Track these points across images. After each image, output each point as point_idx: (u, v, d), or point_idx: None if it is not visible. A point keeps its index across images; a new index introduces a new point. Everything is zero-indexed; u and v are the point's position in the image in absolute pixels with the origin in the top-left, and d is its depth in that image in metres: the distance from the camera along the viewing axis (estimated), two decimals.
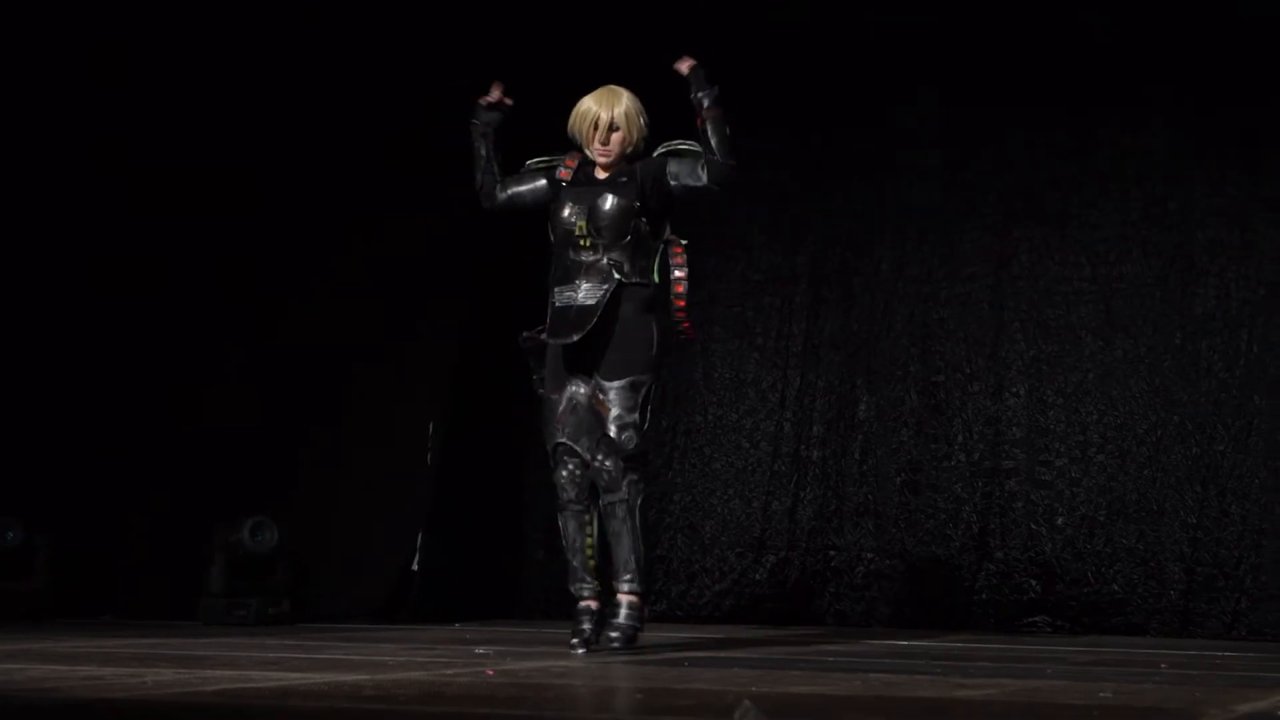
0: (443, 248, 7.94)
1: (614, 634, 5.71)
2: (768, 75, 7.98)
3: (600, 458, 5.71)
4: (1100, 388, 7.58)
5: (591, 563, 5.80)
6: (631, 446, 5.71)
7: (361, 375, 7.99)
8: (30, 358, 8.10)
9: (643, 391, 5.73)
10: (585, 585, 5.80)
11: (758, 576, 7.87)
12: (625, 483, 5.70)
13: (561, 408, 5.78)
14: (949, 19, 7.86)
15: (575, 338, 5.70)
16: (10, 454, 7.90)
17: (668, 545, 8.03)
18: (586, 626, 5.74)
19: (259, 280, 8.26)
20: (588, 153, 5.90)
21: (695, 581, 7.97)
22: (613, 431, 5.69)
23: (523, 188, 5.98)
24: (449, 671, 4.89)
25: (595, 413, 5.72)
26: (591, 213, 5.78)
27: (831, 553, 7.82)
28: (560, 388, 5.80)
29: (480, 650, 5.68)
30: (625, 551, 5.74)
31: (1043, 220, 7.75)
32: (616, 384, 5.70)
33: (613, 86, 5.89)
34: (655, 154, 5.88)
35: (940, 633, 7.18)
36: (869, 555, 7.76)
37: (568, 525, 5.83)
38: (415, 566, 7.83)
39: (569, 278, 5.81)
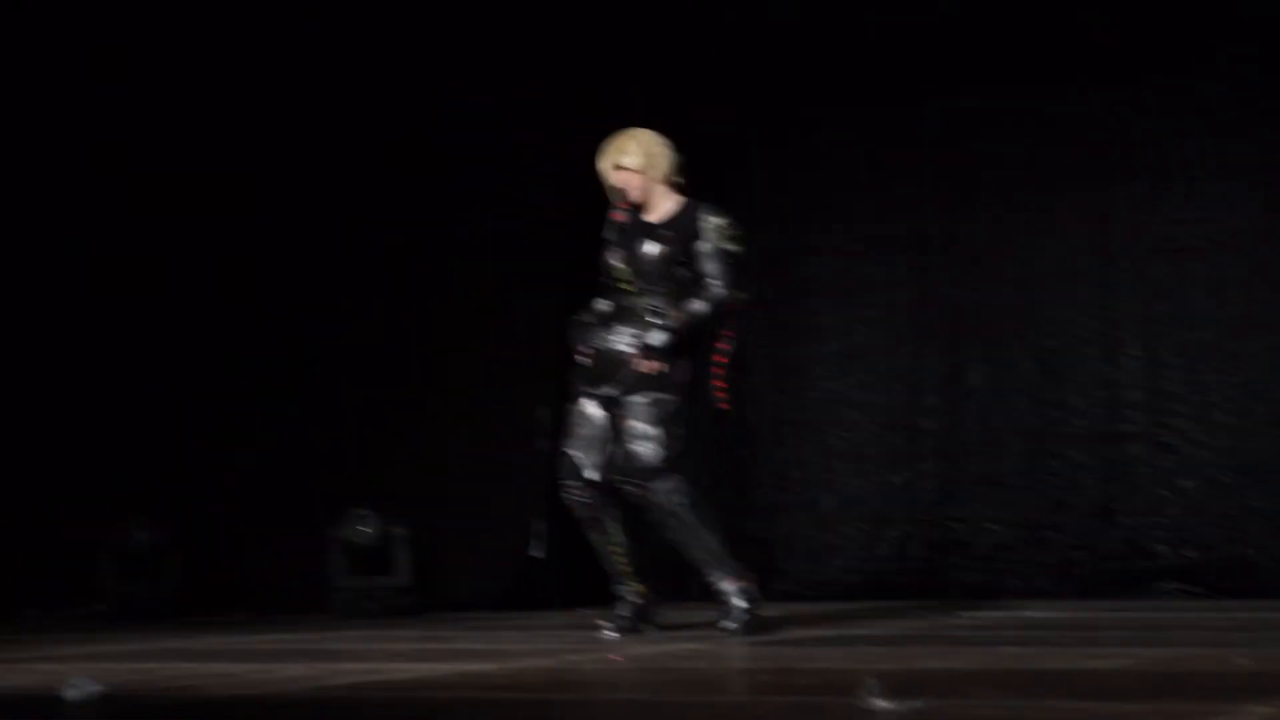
0: (540, 229, 7.95)
1: (728, 623, 5.68)
2: (862, 44, 7.92)
3: (620, 478, 5.72)
4: (1216, 346, 7.46)
5: (626, 568, 5.86)
6: (645, 460, 5.67)
7: (469, 364, 8.02)
8: (144, 360, 8.20)
9: (667, 409, 5.69)
10: (625, 588, 5.89)
11: (880, 551, 7.83)
12: (658, 495, 5.67)
13: (578, 418, 5.83)
14: None
15: (606, 391, 5.74)
16: (136, 455, 8.01)
17: (787, 523, 8.00)
18: (624, 613, 5.82)
19: (360, 269, 8.27)
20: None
21: (817, 559, 7.93)
22: (627, 445, 5.69)
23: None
24: (576, 657, 4.91)
25: (615, 427, 5.74)
26: (632, 258, 5.82)
27: (953, 524, 7.76)
28: (578, 399, 5.86)
29: (607, 633, 5.71)
30: (695, 553, 5.75)
31: (1145, 176, 7.63)
32: (637, 399, 5.70)
33: (628, 129, 5.90)
34: (706, 218, 5.79)
35: (1069, 601, 7.11)
36: (992, 526, 7.69)
37: (589, 537, 5.88)
38: (535, 553, 7.86)
39: (612, 319, 5.85)
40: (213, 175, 8.28)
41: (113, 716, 3.81)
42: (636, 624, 5.81)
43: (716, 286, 5.73)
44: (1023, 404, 7.74)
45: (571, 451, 5.81)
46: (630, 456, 5.68)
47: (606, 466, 5.74)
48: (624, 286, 5.82)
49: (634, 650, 5.11)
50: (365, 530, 7.54)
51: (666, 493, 5.68)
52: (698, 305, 5.71)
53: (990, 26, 7.80)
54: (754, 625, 5.67)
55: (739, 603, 5.69)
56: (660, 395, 5.69)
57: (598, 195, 5.97)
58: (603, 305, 5.89)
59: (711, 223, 5.79)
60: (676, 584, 8.02)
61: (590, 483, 5.76)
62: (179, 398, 8.23)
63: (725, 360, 5.83)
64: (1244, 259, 7.45)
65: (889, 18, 7.94)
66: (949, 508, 7.77)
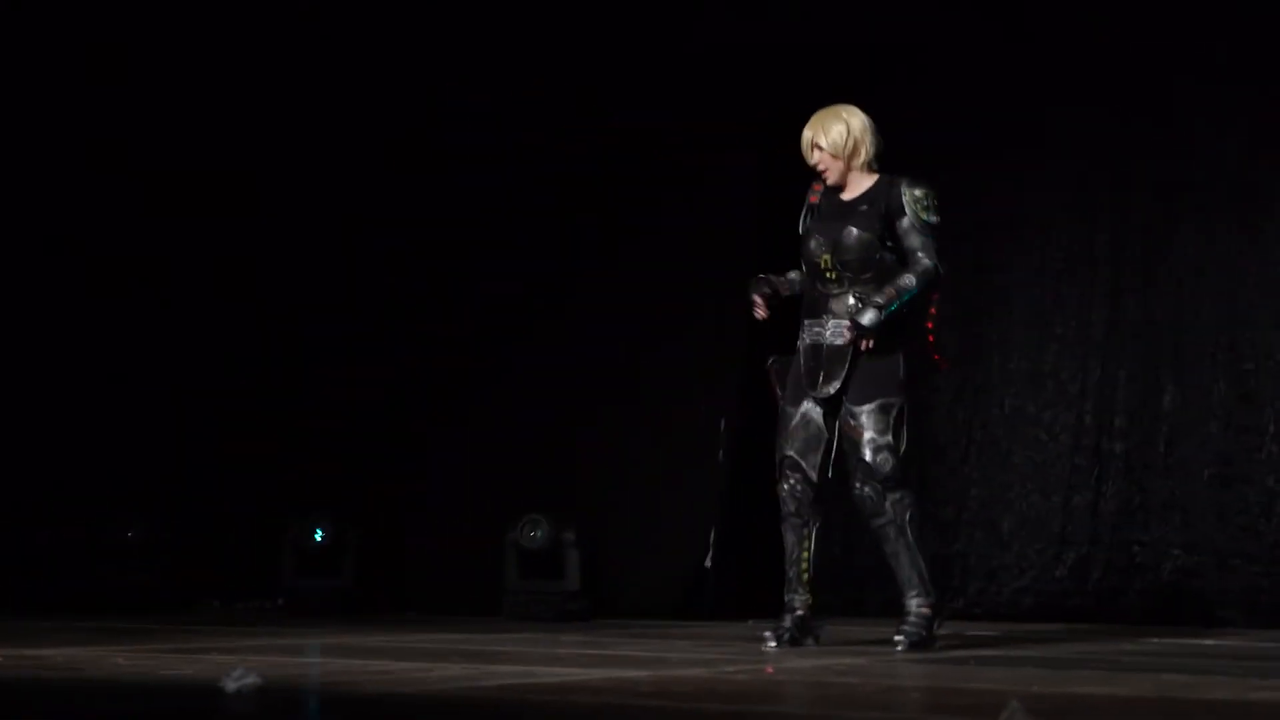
0: (729, 239, 7.91)
1: (899, 638, 5.69)
2: (1061, 56, 7.77)
3: (859, 484, 5.72)
4: None
5: (806, 575, 5.83)
6: (888, 469, 5.69)
7: (649, 371, 8.02)
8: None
9: (894, 413, 5.71)
10: (797, 596, 5.84)
11: (1059, 573, 7.66)
12: (889, 504, 5.70)
13: (795, 421, 5.81)
14: None
15: (831, 390, 5.72)
16: (319, 450, 8.14)
17: (965, 541, 7.87)
18: (788, 625, 5.78)
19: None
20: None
21: (994, 578, 7.79)
22: (868, 455, 5.68)
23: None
24: (730, 668, 4.89)
25: (848, 438, 5.72)
26: (836, 246, 5.76)
27: (1136, 548, 7.57)
28: (797, 401, 5.82)
29: (770, 645, 5.67)
30: (905, 569, 5.75)
31: None
32: (866, 407, 5.69)
33: (834, 106, 5.85)
34: (905, 190, 5.78)
35: (1252, 632, 6.89)
36: (1176, 551, 7.48)
37: (787, 537, 5.85)
38: (709, 564, 7.84)
39: (817, 311, 5.80)
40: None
41: (267, 708, 3.89)
42: (800, 636, 5.78)
43: (924, 260, 5.70)
44: (1215, 428, 7.52)
45: (790, 452, 5.80)
46: (869, 467, 5.68)
47: (826, 468, 5.76)
48: (828, 275, 5.76)
49: (791, 663, 5.08)
50: (536, 534, 7.59)
51: (897, 503, 5.71)
52: (907, 280, 5.68)
53: (1193, 38, 7.60)
54: (927, 643, 5.66)
55: (919, 625, 5.69)
56: (887, 400, 5.69)
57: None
58: (793, 276, 5.86)
59: (912, 194, 5.74)
60: (854, 599, 8.00)
61: (810, 482, 5.76)
62: (357, 398, 8.34)
63: (934, 325, 5.82)
64: None
65: (1091, 29, 7.78)
66: (1132, 531, 7.58)
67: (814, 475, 5.76)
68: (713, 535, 7.87)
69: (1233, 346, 7.56)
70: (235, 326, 8.47)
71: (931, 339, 5.83)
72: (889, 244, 5.75)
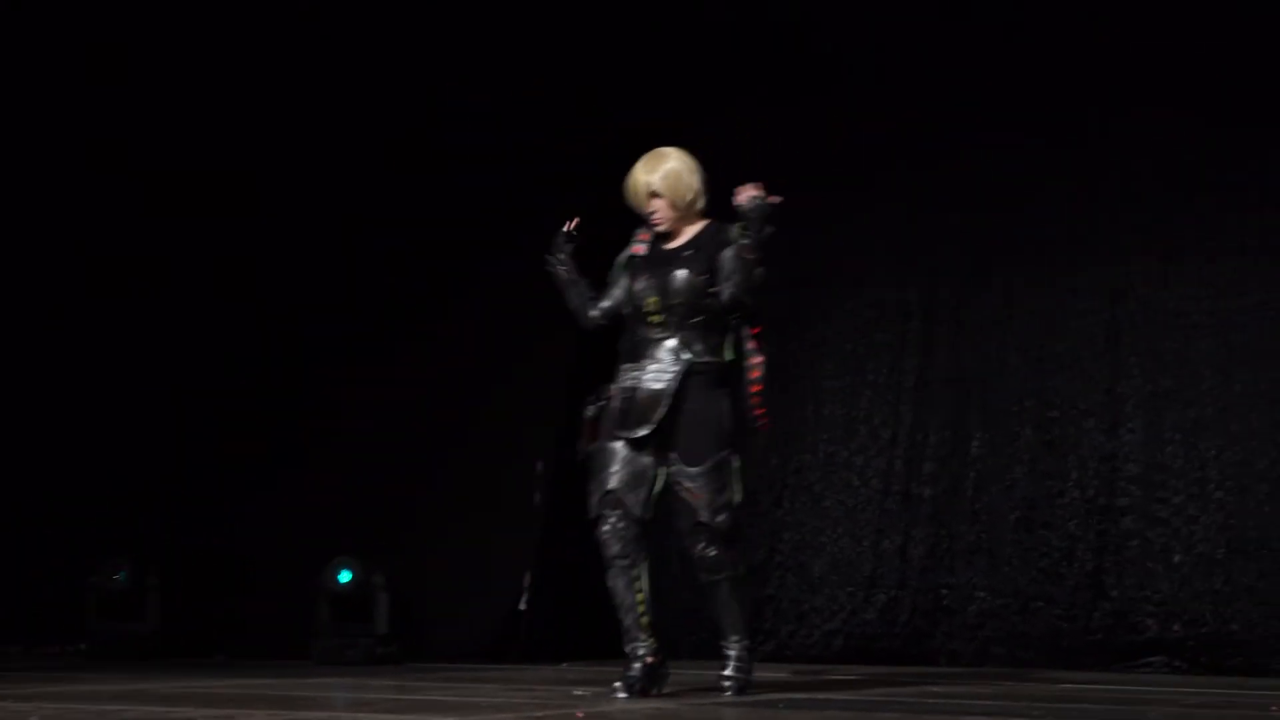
0: (547, 290, 7.93)
1: (728, 682, 5.62)
2: (874, 109, 7.92)
3: (702, 545, 5.54)
4: (1219, 423, 7.41)
5: (645, 619, 5.57)
6: (728, 528, 5.53)
7: (466, 415, 8.00)
8: (130, 399, 8.19)
9: (730, 468, 5.54)
10: (641, 644, 5.58)
11: (868, 616, 7.77)
12: (728, 561, 5.57)
13: (617, 457, 5.57)
14: (1058, 50, 7.75)
15: (641, 433, 5.51)
16: (118, 496, 8.01)
17: (777, 584, 7.96)
18: (636, 673, 5.55)
19: (359, 316, 8.26)
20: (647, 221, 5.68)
21: (805, 621, 7.88)
22: (705, 517, 5.50)
23: (615, 296, 5.72)
24: (540, 714, 4.87)
25: (683, 500, 5.52)
26: (663, 289, 5.57)
27: (944, 591, 7.71)
28: (615, 439, 5.59)
29: (578, 692, 5.65)
30: (732, 618, 5.64)
31: (1158, 253, 7.61)
32: (699, 469, 5.50)
33: (659, 149, 5.66)
34: (726, 231, 5.59)
35: (1054, 673, 7.04)
36: (981, 594, 7.63)
37: (616, 583, 5.58)
38: (523, 606, 7.82)
39: (637, 355, 5.62)
40: (212, 175, 8.27)
41: None
42: (649, 684, 5.56)
43: (729, 288, 5.52)
44: (1020, 473, 7.70)
45: (613, 486, 5.54)
46: (709, 530, 5.50)
47: (649, 505, 5.55)
48: (652, 319, 5.58)
49: (601, 708, 5.07)
50: (343, 577, 7.52)
51: (734, 561, 5.58)
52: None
53: (1006, 94, 7.80)
54: (751, 685, 5.64)
55: (741, 670, 5.62)
56: (719, 456, 5.51)
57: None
58: (625, 342, 5.65)
59: (736, 231, 5.55)
60: (668, 641, 8.03)
61: (633, 519, 5.53)
62: (166, 439, 8.22)
63: (760, 387, 5.61)
64: (1253, 337, 7.40)
65: (901, 84, 7.95)
66: (939, 574, 7.72)
67: (638, 511, 5.54)
68: (527, 578, 7.85)
69: (1038, 395, 7.74)
70: (46, 367, 8.32)
71: (758, 391, 5.62)
72: (714, 291, 5.56)
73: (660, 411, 5.50)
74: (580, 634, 7.90)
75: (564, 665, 7.40)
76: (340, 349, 8.17)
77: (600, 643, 7.98)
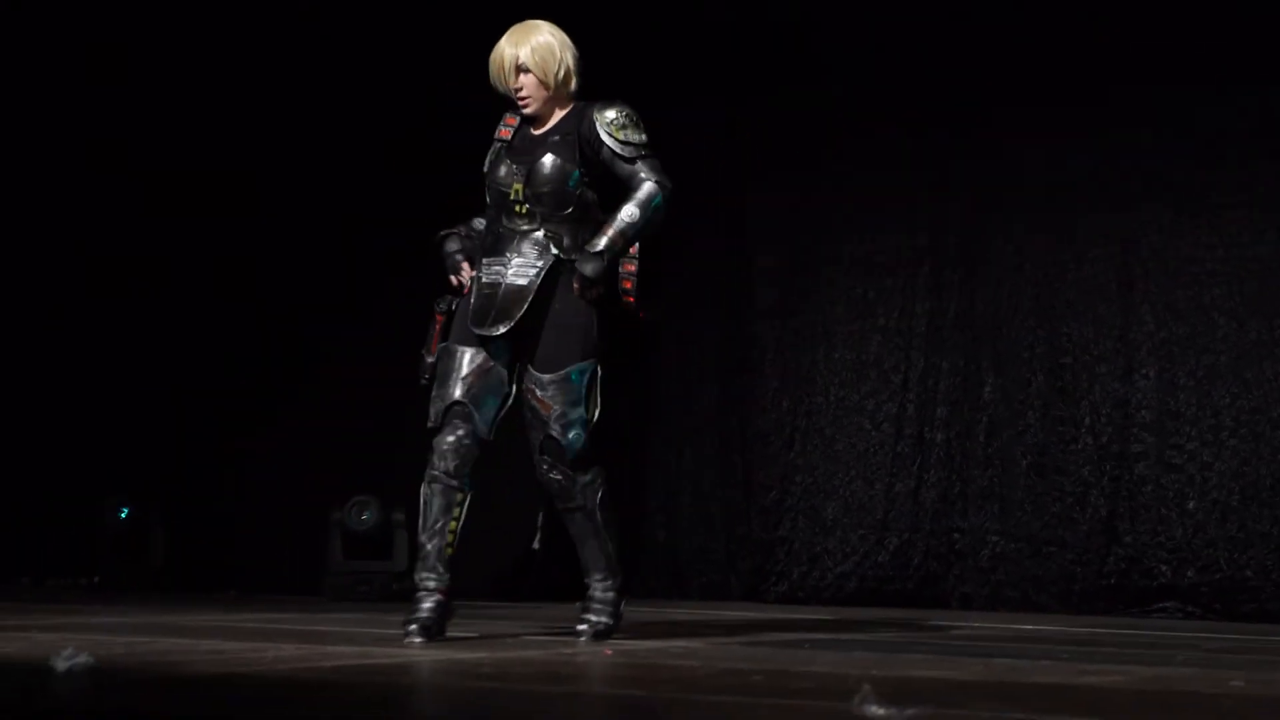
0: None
1: (583, 628, 5.14)
2: (883, 57, 7.90)
3: (546, 466, 5.09)
4: (1233, 370, 7.41)
5: (449, 551, 5.06)
6: (579, 446, 5.06)
7: None
8: (132, 336, 8.17)
9: (585, 379, 5.03)
10: (433, 576, 5.05)
11: (881, 559, 7.80)
12: (578, 488, 5.11)
13: (466, 363, 5.04)
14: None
15: (500, 329, 4.99)
16: (118, 432, 8.00)
17: (789, 526, 7.98)
18: (427, 612, 5.00)
19: (366, 256, 8.22)
20: (514, 102, 5.16)
21: (817, 563, 7.91)
22: (556, 432, 5.02)
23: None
24: (567, 650, 4.88)
25: (533, 409, 5.04)
26: (530, 176, 5.05)
27: (956, 535, 7.74)
28: (466, 341, 5.07)
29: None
30: (592, 552, 5.19)
31: (1171, 200, 7.59)
32: (553, 376, 5.01)
33: (528, 21, 5.17)
34: (596, 116, 5.07)
35: (1067, 617, 7.07)
36: (994, 538, 7.66)
37: (433, 502, 5.06)
38: (536, 545, 7.81)
39: (499, 248, 5.09)
40: (213, 175, 8.23)
41: (102, 688, 3.78)
42: (442, 623, 5.04)
43: (645, 181, 5.00)
44: (1034, 419, 7.70)
45: (460, 396, 5.00)
46: (557, 446, 5.03)
47: (494, 426, 5.05)
48: (517, 209, 5.05)
49: (625, 645, 5.08)
50: (366, 516, 7.52)
51: (587, 486, 5.10)
52: (628, 212, 4.98)
53: (1019, 43, 7.77)
54: (612, 629, 5.16)
55: (604, 613, 5.16)
56: (578, 365, 5.00)
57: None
58: (480, 225, 5.18)
59: (603, 118, 5.03)
60: (675, 582, 8.06)
61: (478, 440, 5.02)
62: (179, 382, 8.21)
63: (631, 285, 5.07)
64: (1265, 286, 7.39)
65: (917, 28, 7.91)
66: (952, 518, 7.75)
67: (484, 430, 5.02)
68: (540, 518, 7.83)
69: (1050, 340, 7.75)
70: (54, 304, 8.30)
71: (630, 297, 5.09)
72: (587, 181, 5.06)
73: (522, 309, 4.98)
74: None
75: (577, 605, 7.40)
76: (353, 285, 8.14)
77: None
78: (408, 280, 8.09)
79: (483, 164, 5.24)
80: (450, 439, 5.04)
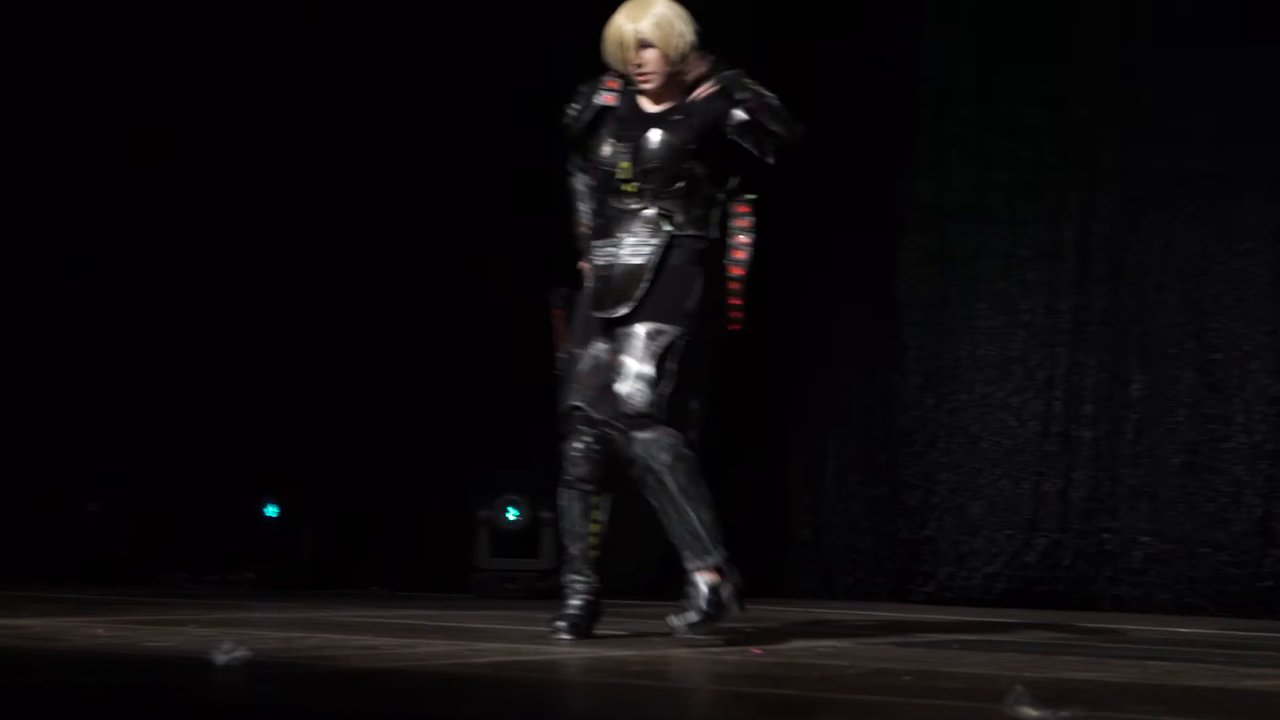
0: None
1: (678, 621, 4.87)
2: (1024, 46, 7.80)
3: (606, 419, 4.88)
4: None
5: (594, 554, 5.01)
6: (638, 402, 4.81)
7: None
8: (281, 333, 8.25)
9: (666, 341, 4.83)
10: (580, 580, 5.03)
11: (1029, 559, 7.70)
12: (637, 445, 4.83)
13: (584, 365, 4.97)
14: None
15: (621, 311, 4.87)
16: (272, 430, 8.11)
17: (935, 526, 7.90)
18: (576, 610, 4.98)
19: (494, 250, 8.24)
20: (633, 79, 4.97)
21: (964, 564, 7.82)
22: (619, 385, 4.82)
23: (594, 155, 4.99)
24: (715, 649, 4.88)
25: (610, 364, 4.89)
26: (637, 152, 4.89)
27: (1106, 536, 7.62)
28: (586, 342, 4.99)
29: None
30: (674, 525, 4.90)
31: None
32: (637, 329, 4.83)
33: None
34: (719, 91, 4.89)
35: (1222, 620, 6.95)
36: (1145, 539, 7.53)
37: (572, 507, 5.04)
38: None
39: (610, 230, 4.95)
40: (344, 171, 8.32)
41: (259, 682, 3.85)
42: (591, 623, 5.01)
43: (781, 128, 4.83)
44: (1184, 417, 7.57)
45: (579, 403, 4.94)
46: (617, 398, 4.82)
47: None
48: (625, 188, 4.92)
49: (773, 644, 5.07)
50: (515, 514, 7.56)
51: (646, 444, 4.83)
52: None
53: (1163, 27, 7.64)
54: (705, 628, 4.84)
55: (709, 600, 4.85)
56: (662, 326, 4.83)
57: None
58: (589, 213, 5.00)
59: (729, 77, 4.86)
60: (824, 581, 8.01)
61: (607, 442, 4.89)
62: (330, 380, 8.30)
63: (742, 272, 4.97)
64: None
65: (1043, 21, 7.81)
66: (1101, 518, 7.63)
67: (611, 431, 4.88)
68: None
69: (1200, 336, 7.61)
70: (202, 303, 8.43)
71: (738, 276, 4.97)
72: (699, 160, 4.91)
73: (642, 288, 4.85)
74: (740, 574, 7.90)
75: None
76: (502, 279, 8.19)
77: (757, 583, 7.99)
78: (552, 272, 8.18)
79: (566, 122, 5.08)
80: (577, 445, 5.03)
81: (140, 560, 8.00)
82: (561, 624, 4.99)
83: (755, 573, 7.98)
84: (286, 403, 8.25)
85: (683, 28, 4.94)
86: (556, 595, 7.43)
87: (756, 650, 4.85)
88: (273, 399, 8.25)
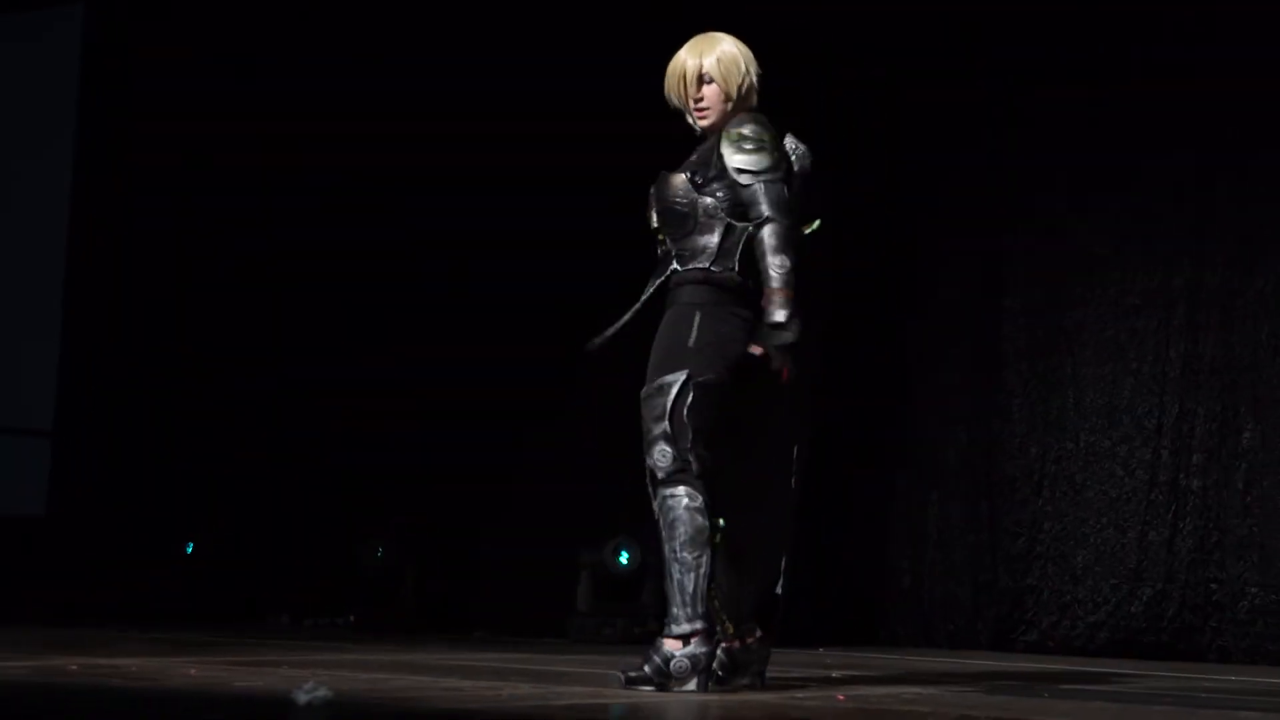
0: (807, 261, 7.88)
1: (628, 673, 4.72)
2: (1140, 95, 7.73)
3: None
4: None
5: (715, 603, 4.86)
6: (664, 464, 4.70)
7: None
8: (390, 383, 8.34)
9: (673, 392, 4.65)
10: (717, 631, 4.88)
11: (1134, 609, 7.58)
12: (655, 506, 4.75)
13: None
14: None
15: (596, 341, 4.86)
16: (377, 475, 8.18)
17: (1038, 574, 7.81)
18: (714, 665, 4.82)
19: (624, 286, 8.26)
20: (689, 120, 4.86)
21: (1067, 613, 7.72)
22: (645, 450, 4.75)
23: None
24: (800, 694, 4.85)
25: None
26: (659, 199, 4.77)
27: (1213, 586, 7.48)
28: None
29: (835, 674, 5.62)
30: (665, 581, 4.80)
31: None
32: (643, 392, 4.73)
33: (709, 33, 4.87)
34: (725, 133, 4.72)
35: None
36: (1254, 589, 7.39)
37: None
38: (779, 590, 7.78)
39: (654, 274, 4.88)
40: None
41: None
42: (730, 674, 4.91)
43: (763, 213, 4.60)
44: None
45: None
46: (647, 466, 4.76)
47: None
48: (659, 238, 4.82)
49: (859, 690, 5.03)
50: (608, 558, 7.58)
51: (662, 504, 4.72)
52: (775, 263, 4.57)
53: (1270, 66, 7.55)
54: (644, 687, 4.67)
55: (654, 659, 4.71)
56: (665, 378, 4.67)
57: None
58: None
59: (731, 134, 4.66)
60: (922, 629, 7.94)
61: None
62: (434, 427, 8.36)
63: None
64: None
65: (1170, 69, 7.73)
66: (1209, 568, 7.50)
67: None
68: (783, 562, 7.81)
69: None
70: (310, 345, 8.54)
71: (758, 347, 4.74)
72: (703, 192, 4.71)
73: (617, 325, 4.81)
74: (836, 620, 7.87)
75: (820, 650, 7.36)
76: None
77: (856, 629, 7.95)
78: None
79: None
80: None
81: (243, 603, 8.10)
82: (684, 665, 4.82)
83: (855, 619, 8.03)
84: (393, 446, 8.33)
85: (746, 67, 4.85)
86: (651, 641, 7.51)
87: (840, 696, 4.82)
88: (379, 442, 8.33)
